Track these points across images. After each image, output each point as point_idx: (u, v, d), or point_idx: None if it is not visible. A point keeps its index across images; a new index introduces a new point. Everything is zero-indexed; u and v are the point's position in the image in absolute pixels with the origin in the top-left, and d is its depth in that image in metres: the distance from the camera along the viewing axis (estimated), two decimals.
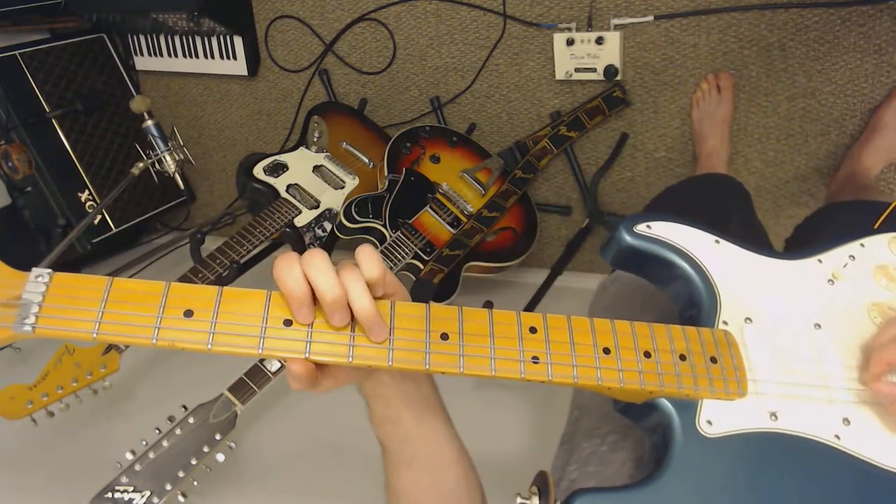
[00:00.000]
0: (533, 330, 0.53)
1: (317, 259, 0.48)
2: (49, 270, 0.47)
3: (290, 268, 0.48)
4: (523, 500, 0.50)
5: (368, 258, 0.50)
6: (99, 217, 2.06)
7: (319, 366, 0.51)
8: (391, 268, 1.49)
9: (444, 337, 0.51)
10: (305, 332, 0.49)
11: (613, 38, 1.61)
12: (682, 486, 0.51)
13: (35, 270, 0.46)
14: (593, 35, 1.62)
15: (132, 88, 2.25)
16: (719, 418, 0.54)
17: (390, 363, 0.49)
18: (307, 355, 0.48)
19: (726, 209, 1.05)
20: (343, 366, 0.50)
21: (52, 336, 0.46)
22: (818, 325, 0.61)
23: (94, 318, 0.46)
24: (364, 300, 0.48)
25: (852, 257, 0.65)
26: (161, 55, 2.18)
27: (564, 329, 0.54)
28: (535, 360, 0.52)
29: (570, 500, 0.49)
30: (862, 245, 0.66)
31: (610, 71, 1.64)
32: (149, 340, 0.46)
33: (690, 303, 0.61)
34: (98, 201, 2.07)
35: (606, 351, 0.53)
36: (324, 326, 0.49)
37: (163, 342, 0.47)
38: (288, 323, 0.49)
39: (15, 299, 0.45)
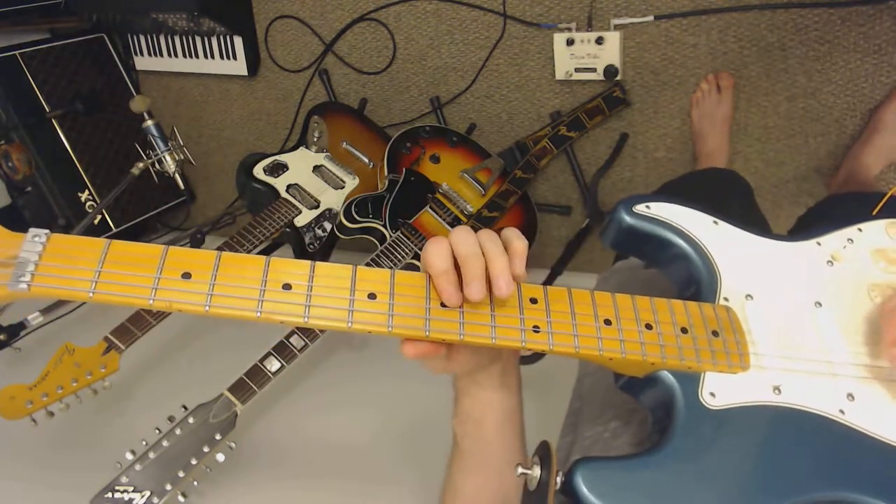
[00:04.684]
0: (534, 300, 0.53)
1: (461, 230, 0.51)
2: (46, 231, 0.46)
3: (435, 244, 0.50)
4: (524, 471, 0.50)
5: (511, 230, 0.53)
6: (99, 217, 2.06)
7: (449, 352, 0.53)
8: (391, 268, 1.49)
9: (445, 304, 0.51)
10: (304, 297, 0.49)
11: (613, 38, 1.61)
12: (684, 456, 0.51)
13: (32, 231, 0.46)
14: (593, 35, 1.62)
15: (132, 88, 2.25)
16: (722, 391, 0.54)
17: (390, 329, 0.49)
18: (306, 319, 0.48)
19: (725, 199, 1.05)
20: (420, 338, 0.50)
21: (49, 295, 0.46)
22: (819, 304, 0.61)
23: (90, 278, 0.46)
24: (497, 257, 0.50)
25: (850, 240, 0.66)
26: (161, 55, 2.18)
27: (565, 300, 0.54)
28: (536, 329, 0.52)
29: (572, 469, 0.49)
30: (860, 229, 0.66)
31: (610, 71, 1.64)
32: (146, 301, 0.46)
33: (690, 281, 0.61)
34: (98, 201, 2.07)
35: (607, 322, 0.54)
36: (323, 291, 0.49)
37: (160, 303, 0.46)
38: (287, 287, 0.49)
39: (11, 258, 0.45)
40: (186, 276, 0.47)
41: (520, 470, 0.50)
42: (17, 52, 1.96)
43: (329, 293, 0.49)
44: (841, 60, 1.49)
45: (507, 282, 0.49)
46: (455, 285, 0.49)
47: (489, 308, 0.51)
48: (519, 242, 0.51)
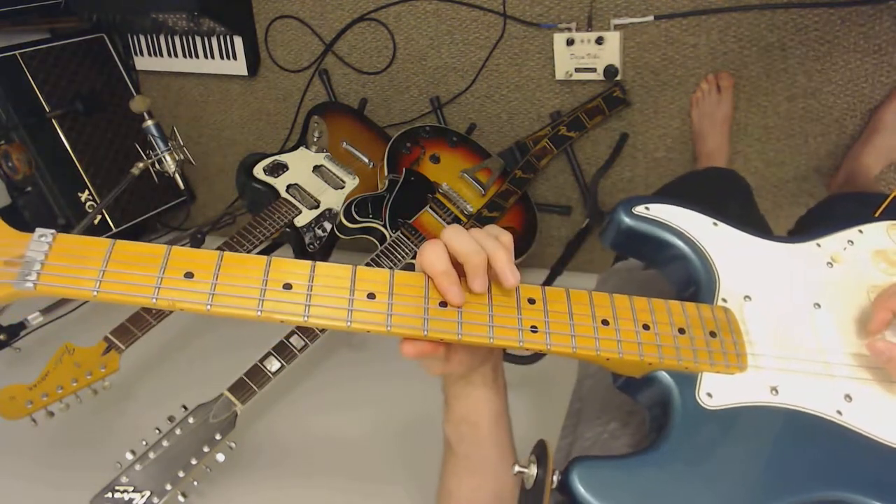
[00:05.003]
0: (532, 301, 0.53)
1: (453, 229, 0.52)
2: (52, 231, 0.47)
3: (429, 247, 0.51)
4: (521, 469, 0.50)
5: (495, 227, 0.55)
6: (99, 217, 2.06)
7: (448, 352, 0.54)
8: (391, 268, 1.49)
9: (443, 304, 0.51)
10: (304, 296, 0.49)
11: (613, 38, 1.61)
12: (680, 455, 0.52)
13: (39, 230, 0.47)
14: (593, 35, 1.62)
15: (132, 88, 2.25)
16: (719, 391, 0.54)
17: (388, 328, 0.50)
18: (305, 318, 0.49)
19: (724, 199, 1.05)
20: (419, 337, 0.51)
21: (54, 293, 0.46)
22: (818, 305, 0.61)
23: (95, 277, 0.46)
24: (500, 252, 0.52)
25: (851, 242, 0.66)
26: (161, 55, 2.18)
27: (563, 301, 0.54)
28: (534, 329, 0.52)
29: (568, 467, 0.49)
30: (860, 231, 0.67)
31: (610, 71, 1.64)
32: (149, 300, 0.47)
33: (689, 282, 0.61)
34: (98, 201, 2.07)
35: (605, 322, 0.54)
36: (322, 291, 0.50)
37: (162, 302, 0.47)
38: (287, 286, 0.49)
39: (18, 257, 0.46)
40: (189, 275, 0.48)
41: (516, 468, 0.50)
42: (17, 52, 1.96)
43: (329, 293, 0.50)
44: (841, 60, 1.49)
45: (512, 271, 0.51)
46: (458, 284, 0.51)
47: (487, 308, 0.52)
48: (505, 236, 0.53)
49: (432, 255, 0.51)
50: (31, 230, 0.47)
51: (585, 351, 0.53)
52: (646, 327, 0.55)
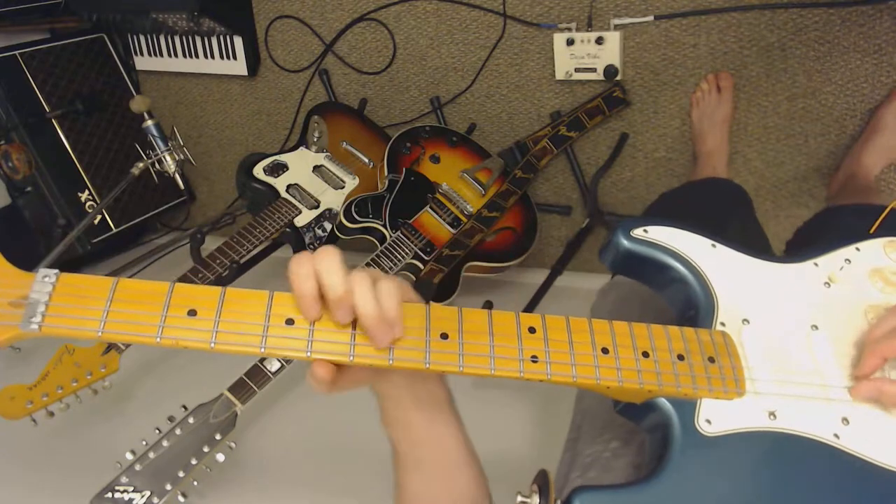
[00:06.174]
0: (532, 330, 0.54)
1: (327, 257, 0.48)
2: (56, 271, 0.47)
3: (300, 265, 0.49)
4: (524, 499, 0.50)
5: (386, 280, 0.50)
6: (99, 217, 2.06)
7: (338, 367, 0.51)
8: (391, 268, 1.49)
9: (444, 336, 0.51)
10: (307, 331, 0.49)
11: (613, 38, 1.61)
12: (681, 483, 0.52)
13: (42, 271, 0.47)
14: (593, 35, 1.62)
15: (132, 88, 2.25)
16: (718, 417, 0.55)
17: (391, 361, 0.50)
18: (308, 354, 0.49)
19: (723, 215, 1.05)
20: (348, 365, 0.51)
21: (58, 335, 0.47)
22: (815, 327, 0.61)
23: (99, 318, 0.47)
24: (367, 303, 0.48)
25: (848, 261, 0.65)
26: (161, 55, 2.18)
27: (563, 329, 0.54)
28: (534, 359, 0.52)
29: (569, 498, 0.49)
30: (857, 249, 0.66)
31: (610, 71, 1.64)
32: (153, 339, 0.47)
33: (688, 305, 0.62)
34: (98, 201, 2.07)
35: (605, 350, 0.54)
36: (326, 325, 0.50)
37: (166, 341, 0.47)
38: (290, 322, 0.50)
39: (22, 298, 0.46)
40: (192, 313, 0.48)
41: (519, 498, 0.51)
42: (17, 52, 1.96)
43: (332, 327, 0.50)
44: (841, 60, 1.49)
45: (382, 335, 0.49)
46: (316, 304, 0.49)
47: (488, 338, 0.52)
48: (387, 295, 0.49)
49: (301, 274, 0.48)
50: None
51: (585, 380, 0.53)
52: (645, 354, 0.55)
